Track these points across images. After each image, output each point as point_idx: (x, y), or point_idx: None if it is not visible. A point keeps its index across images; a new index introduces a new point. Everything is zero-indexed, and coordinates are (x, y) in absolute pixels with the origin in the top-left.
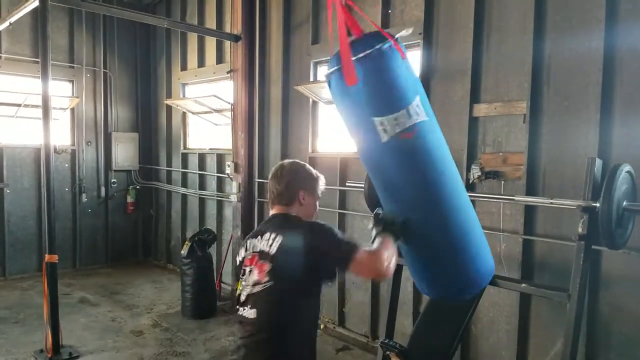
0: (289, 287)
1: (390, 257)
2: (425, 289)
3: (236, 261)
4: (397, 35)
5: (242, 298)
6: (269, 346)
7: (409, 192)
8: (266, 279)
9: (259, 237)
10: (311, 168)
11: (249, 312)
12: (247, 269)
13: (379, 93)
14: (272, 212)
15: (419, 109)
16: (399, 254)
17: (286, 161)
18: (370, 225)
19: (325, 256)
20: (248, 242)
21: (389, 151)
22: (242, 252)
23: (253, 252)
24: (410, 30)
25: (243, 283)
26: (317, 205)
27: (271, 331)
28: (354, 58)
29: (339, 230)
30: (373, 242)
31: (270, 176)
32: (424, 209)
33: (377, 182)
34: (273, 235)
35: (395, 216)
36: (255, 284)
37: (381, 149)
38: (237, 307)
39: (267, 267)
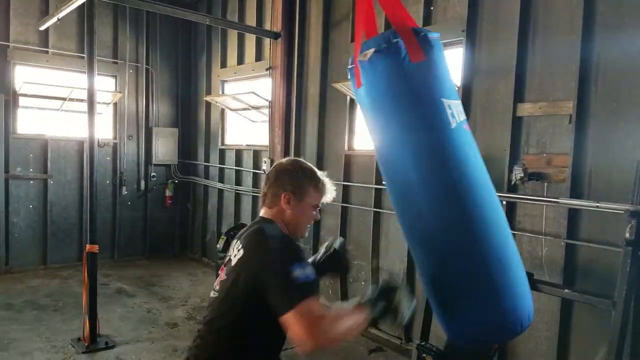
0: (232, 305)
1: (338, 328)
2: (445, 325)
3: None
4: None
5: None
6: (203, 354)
7: (448, 192)
8: (217, 287)
9: (237, 240)
10: (313, 169)
11: (206, 313)
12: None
13: (444, 74)
14: (260, 213)
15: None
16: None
17: (285, 159)
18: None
19: (267, 289)
20: (233, 242)
21: (457, 138)
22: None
23: (229, 255)
24: (369, 54)
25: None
26: (313, 214)
27: (209, 342)
28: (419, 35)
29: (303, 267)
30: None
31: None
32: (457, 220)
33: (422, 180)
34: (239, 246)
35: (404, 298)
36: (214, 290)
37: (449, 135)
38: None
39: (223, 276)
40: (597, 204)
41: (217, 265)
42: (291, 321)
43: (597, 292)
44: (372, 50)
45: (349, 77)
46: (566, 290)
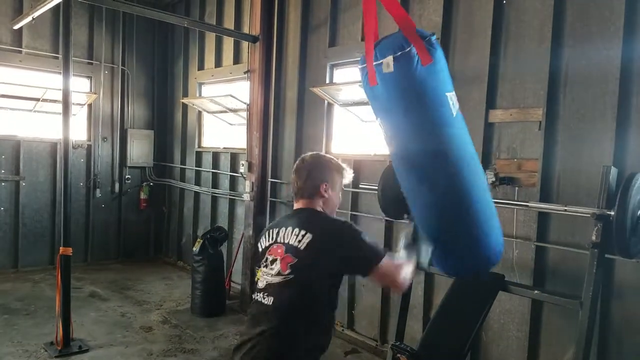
0: (310, 282)
1: (409, 273)
2: (440, 263)
3: (258, 248)
4: None
5: (260, 285)
6: (279, 337)
7: (446, 170)
8: (288, 271)
9: (285, 228)
10: (335, 159)
11: (267, 300)
12: (270, 258)
13: (445, 70)
14: (296, 205)
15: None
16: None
17: (308, 154)
18: (402, 235)
19: (351, 260)
20: (271, 230)
21: (457, 124)
22: (263, 241)
23: (279, 242)
24: (391, 64)
25: (264, 270)
26: (341, 198)
27: (286, 322)
28: (425, 39)
29: (367, 235)
30: (399, 250)
31: (293, 170)
32: (449, 189)
33: (424, 166)
34: (303, 232)
35: (427, 241)
36: (277, 274)
37: (452, 123)
38: (255, 293)
39: (292, 260)
40: (566, 208)
41: (261, 252)
42: (380, 273)
43: (565, 293)
44: (391, 58)
45: (360, 74)
46: (536, 292)
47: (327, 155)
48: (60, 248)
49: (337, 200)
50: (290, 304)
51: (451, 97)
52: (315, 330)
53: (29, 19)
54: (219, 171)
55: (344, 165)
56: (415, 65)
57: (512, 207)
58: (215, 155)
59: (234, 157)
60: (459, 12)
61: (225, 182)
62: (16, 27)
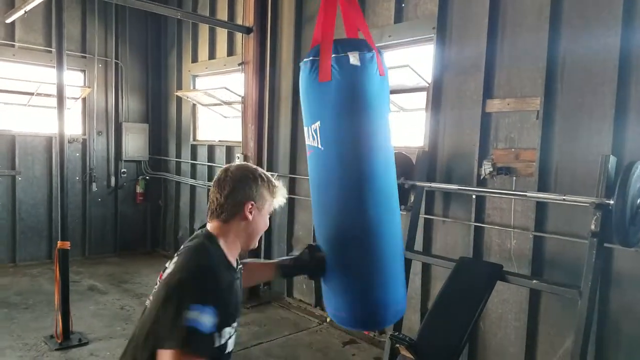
0: (145, 332)
1: None
2: (329, 306)
3: None
4: None
5: None
6: None
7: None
8: (148, 301)
9: (176, 253)
10: (267, 174)
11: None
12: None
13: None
14: (207, 226)
15: (315, 135)
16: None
17: (234, 164)
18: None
19: (157, 321)
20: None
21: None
22: None
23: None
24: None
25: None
26: (267, 223)
27: None
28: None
29: (205, 314)
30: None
31: (213, 182)
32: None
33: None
34: (170, 263)
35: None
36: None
37: (387, 145)
38: None
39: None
40: (564, 197)
41: None
42: None
43: (563, 282)
44: (356, 53)
45: (304, 68)
46: (534, 281)
47: (260, 169)
48: (58, 242)
49: (261, 226)
50: (129, 354)
51: (389, 120)
52: None
53: (22, 12)
54: (214, 164)
55: (277, 183)
56: (375, 70)
57: (510, 197)
58: (211, 149)
59: (230, 150)
60: (455, 0)
61: None
62: (8, 20)
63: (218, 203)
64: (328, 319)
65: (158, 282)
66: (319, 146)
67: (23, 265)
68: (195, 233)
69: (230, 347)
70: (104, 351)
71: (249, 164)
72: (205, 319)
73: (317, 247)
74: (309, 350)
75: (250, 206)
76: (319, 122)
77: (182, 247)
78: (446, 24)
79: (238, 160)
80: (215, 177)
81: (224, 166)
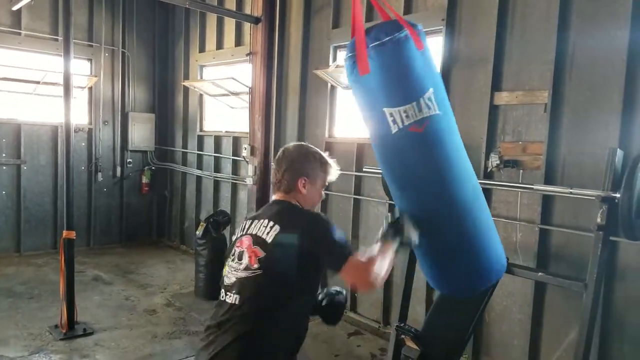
0: (278, 278)
1: (382, 268)
2: (436, 283)
3: (230, 239)
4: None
5: (228, 281)
6: (245, 339)
7: (418, 186)
8: (256, 265)
9: (257, 220)
10: (320, 152)
11: (232, 298)
12: (238, 251)
13: (390, 84)
14: (274, 197)
15: (431, 103)
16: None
17: (291, 144)
18: (384, 224)
19: (319, 255)
20: (245, 222)
21: (398, 143)
22: (237, 232)
23: (248, 234)
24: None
25: (232, 264)
26: (322, 194)
27: (252, 322)
28: (370, 46)
29: (337, 230)
30: (377, 240)
31: (275, 159)
32: (433, 205)
33: (387, 173)
34: (271, 224)
35: (408, 225)
36: (245, 269)
37: (391, 141)
38: (222, 290)
39: (260, 254)
40: (570, 190)
41: (231, 244)
42: (348, 272)
43: (569, 275)
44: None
45: (346, 65)
46: (540, 274)
47: (313, 148)
48: (64, 231)
49: (317, 198)
50: (258, 303)
51: (392, 114)
52: (286, 332)
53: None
54: (221, 155)
55: (330, 160)
56: (413, 46)
57: (517, 190)
58: (217, 139)
59: (236, 140)
60: None
61: (227, 166)
62: (15, 8)
63: (277, 179)
64: None
65: (250, 249)
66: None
67: (28, 255)
68: (268, 205)
69: None
70: (108, 341)
71: (304, 143)
72: (341, 233)
73: (336, 292)
74: (314, 341)
75: (303, 181)
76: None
77: (251, 217)
78: (455, 15)
79: (245, 151)
80: (276, 156)
81: (283, 146)
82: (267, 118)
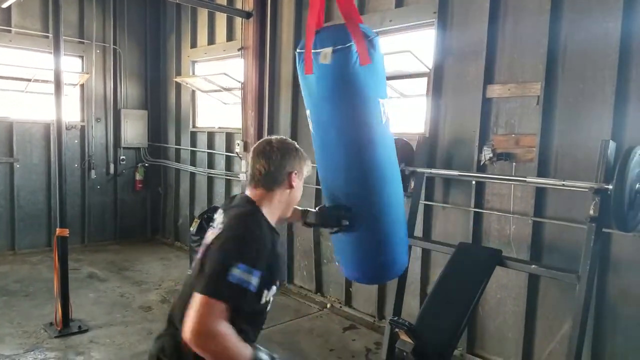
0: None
1: (223, 354)
2: (352, 272)
3: None
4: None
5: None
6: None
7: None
8: (193, 265)
9: (222, 214)
10: (299, 147)
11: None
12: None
13: (382, 77)
14: (247, 192)
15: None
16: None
17: (273, 137)
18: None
19: (206, 264)
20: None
21: (383, 132)
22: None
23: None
24: (328, 56)
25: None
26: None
27: (175, 334)
28: (368, 39)
29: (251, 274)
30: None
31: (254, 153)
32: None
33: (346, 166)
34: (223, 222)
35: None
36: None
37: (378, 130)
38: None
39: (199, 253)
40: (563, 182)
41: (191, 248)
42: (194, 305)
43: (562, 267)
44: (330, 50)
45: (297, 60)
46: (533, 266)
47: (294, 141)
48: (57, 229)
49: (299, 194)
50: (180, 310)
51: (383, 104)
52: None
53: None
54: (214, 151)
55: (306, 155)
56: (353, 62)
57: (510, 182)
58: (210, 135)
59: (229, 136)
60: None
61: (221, 162)
62: (4, 5)
63: (265, 172)
64: (328, 305)
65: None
66: (312, 130)
67: (22, 253)
68: (235, 200)
69: (269, 307)
70: (103, 338)
71: (284, 137)
72: (250, 279)
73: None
74: (309, 336)
75: (294, 175)
76: (308, 111)
77: (220, 212)
78: (447, 8)
79: (238, 147)
80: (256, 148)
81: (263, 139)
82: (259, 113)
